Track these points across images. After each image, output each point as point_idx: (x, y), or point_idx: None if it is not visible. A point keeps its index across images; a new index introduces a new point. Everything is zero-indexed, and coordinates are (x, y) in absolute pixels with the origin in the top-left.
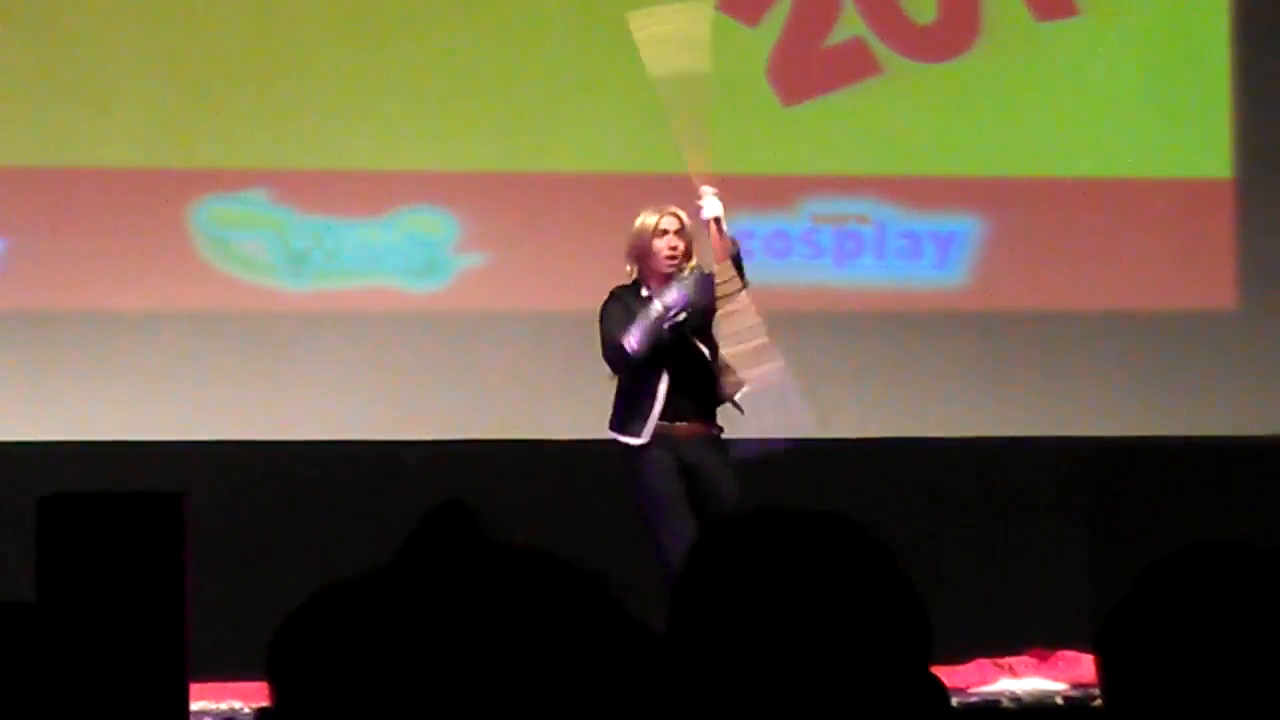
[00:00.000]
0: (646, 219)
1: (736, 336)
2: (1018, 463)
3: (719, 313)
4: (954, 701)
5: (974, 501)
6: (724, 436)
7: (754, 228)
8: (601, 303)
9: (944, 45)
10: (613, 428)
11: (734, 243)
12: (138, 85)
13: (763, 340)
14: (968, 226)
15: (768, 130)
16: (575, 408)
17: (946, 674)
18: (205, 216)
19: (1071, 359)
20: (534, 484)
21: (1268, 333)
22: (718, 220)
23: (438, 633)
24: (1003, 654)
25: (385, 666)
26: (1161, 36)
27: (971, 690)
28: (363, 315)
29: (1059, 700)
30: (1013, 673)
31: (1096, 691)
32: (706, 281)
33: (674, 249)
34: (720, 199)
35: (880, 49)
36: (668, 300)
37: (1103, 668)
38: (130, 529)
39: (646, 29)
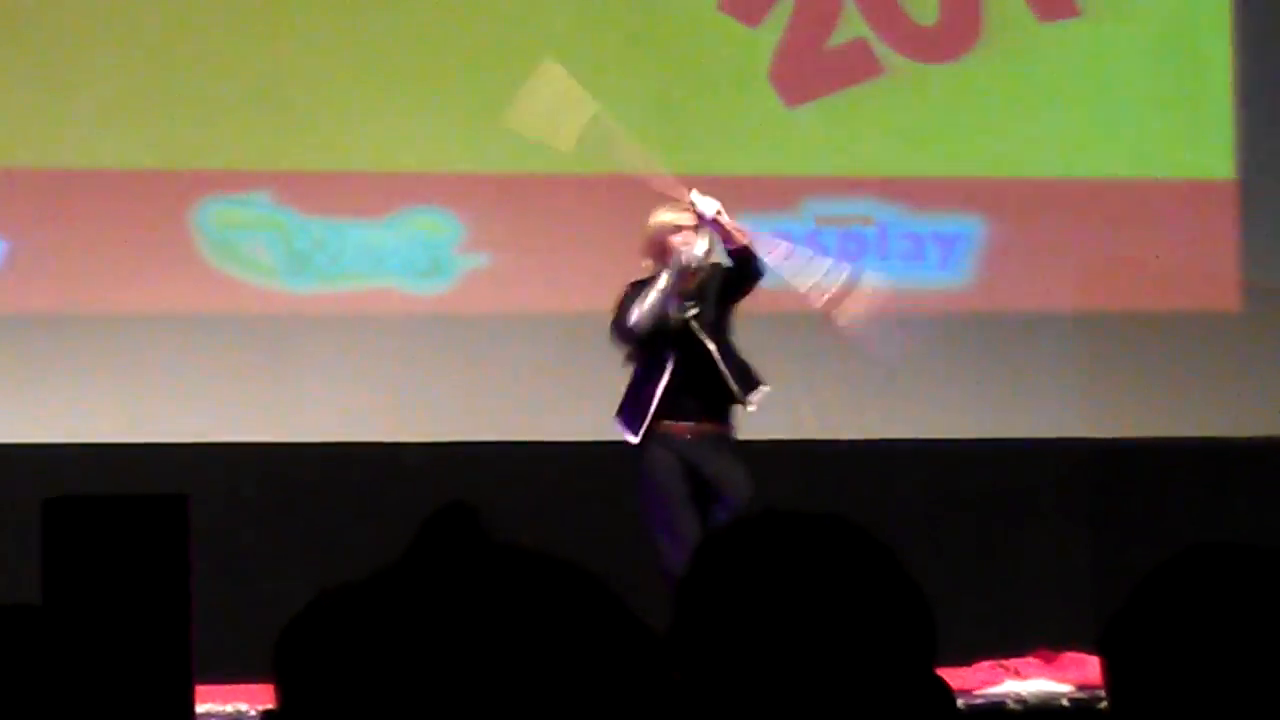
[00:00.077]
0: (663, 215)
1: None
2: (1022, 464)
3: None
4: (959, 703)
5: (978, 502)
6: (737, 436)
7: (757, 229)
8: (599, 304)
9: (946, 46)
10: (617, 416)
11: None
12: (141, 87)
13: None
14: (970, 228)
15: (770, 131)
16: (579, 409)
17: (952, 675)
18: (208, 218)
19: (1074, 360)
20: (537, 485)
21: (1270, 333)
22: (719, 212)
23: (442, 634)
24: (1008, 655)
25: (390, 668)
26: (1164, 37)
27: (977, 692)
28: (366, 317)
29: (1064, 702)
30: (1018, 674)
31: (1102, 693)
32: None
33: (689, 244)
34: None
35: (882, 50)
36: (672, 266)
37: (1108, 669)
38: (134, 531)
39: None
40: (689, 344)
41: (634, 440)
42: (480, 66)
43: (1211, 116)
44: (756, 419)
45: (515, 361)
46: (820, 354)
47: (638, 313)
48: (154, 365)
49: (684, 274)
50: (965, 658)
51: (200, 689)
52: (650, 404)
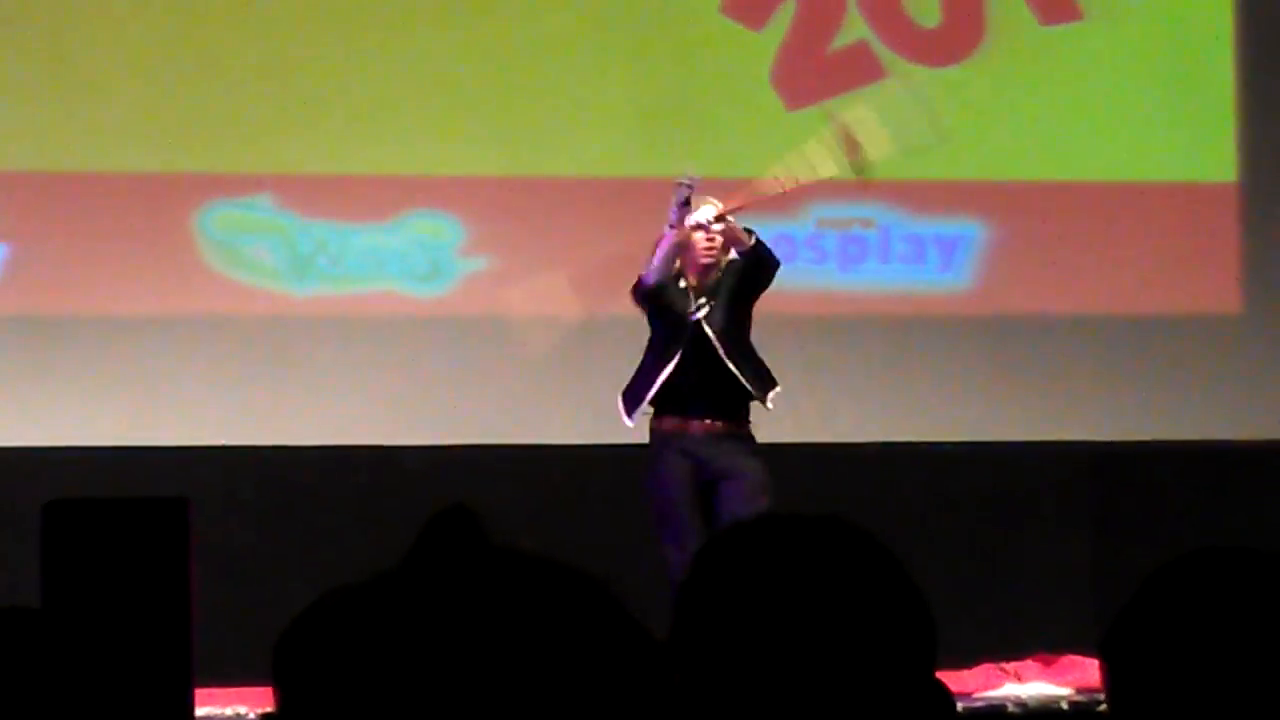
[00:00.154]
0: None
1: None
2: (1022, 467)
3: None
4: (959, 706)
5: (979, 506)
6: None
7: (758, 232)
8: (600, 307)
9: (948, 49)
10: (621, 395)
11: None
12: (143, 90)
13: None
14: (972, 230)
15: (772, 134)
16: (579, 412)
17: (951, 679)
18: (211, 221)
19: (1075, 363)
20: (539, 488)
21: (1272, 336)
22: (715, 219)
23: (442, 638)
24: (1008, 659)
25: (390, 671)
26: (1166, 40)
27: (976, 695)
28: (368, 320)
29: (1064, 705)
30: (1018, 677)
31: (1102, 696)
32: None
33: (711, 240)
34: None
35: (885, 53)
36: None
37: (1108, 672)
38: (135, 534)
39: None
40: (700, 343)
41: (629, 423)
42: (482, 70)
43: (1213, 119)
44: (757, 421)
45: (516, 365)
46: (821, 356)
47: (650, 269)
48: (155, 368)
49: (693, 228)
50: (965, 660)
51: (200, 692)
52: (649, 390)
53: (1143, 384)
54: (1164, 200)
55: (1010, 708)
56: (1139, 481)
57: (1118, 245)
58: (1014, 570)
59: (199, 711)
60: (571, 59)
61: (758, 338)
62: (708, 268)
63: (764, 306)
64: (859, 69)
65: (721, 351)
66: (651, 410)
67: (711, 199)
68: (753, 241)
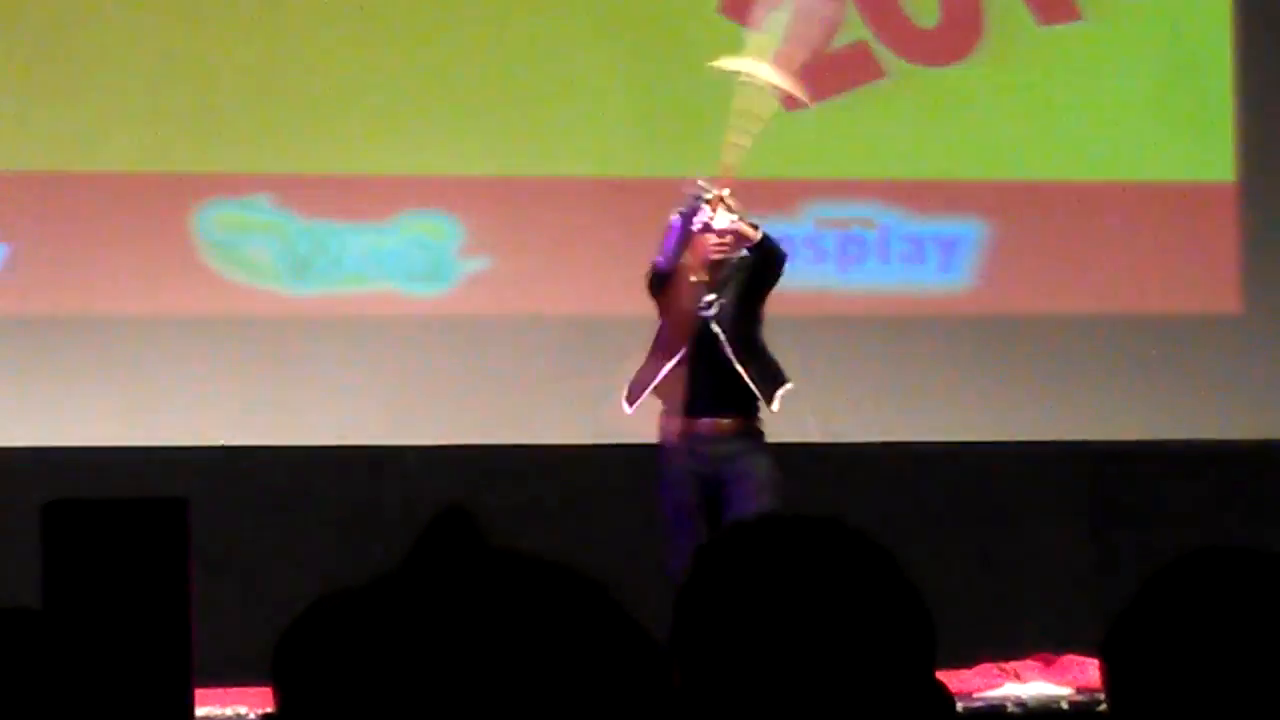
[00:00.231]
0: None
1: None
2: (1022, 466)
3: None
4: (959, 706)
5: (978, 505)
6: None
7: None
8: (599, 308)
9: (947, 49)
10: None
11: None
12: (141, 90)
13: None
14: (971, 230)
15: (771, 134)
16: (579, 413)
17: (951, 679)
18: (209, 221)
19: (1075, 363)
20: (538, 489)
21: (1271, 336)
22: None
23: (442, 638)
24: (1008, 659)
25: (389, 672)
26: (1164, 40)
27: (976, 695)
28: (366, 320)
29: (1064, 705)
30: (1018, 677)
31: (1102, 696)
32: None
33: (722, 238)
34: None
35: (883, 53)
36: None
37: (1108, 672)
38: (134, 535)
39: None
40: (708, 339)
41: (628, 411)
42: (482, 70)
43: (1212, 119)
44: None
45: (516, 365)
46: (821, 357)
47: (661, 255)
48: (154, 368)
49: (697, 209)
50: (965, 660)
51: (200, 692)
52: (651, 380)
53: (1142, 384)
54: (1163, 200)
55: (1010, 708)
56: (1139, 481)
57: (1116, 245)
58: (1014, 570)
59: (199, 711)
60: (570, 59)
61: None
62: (718, 263)
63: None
64: (857, 69)
65: (729, 351)
66: (661, 407)
67: (725, 196)
68: (759, 236)
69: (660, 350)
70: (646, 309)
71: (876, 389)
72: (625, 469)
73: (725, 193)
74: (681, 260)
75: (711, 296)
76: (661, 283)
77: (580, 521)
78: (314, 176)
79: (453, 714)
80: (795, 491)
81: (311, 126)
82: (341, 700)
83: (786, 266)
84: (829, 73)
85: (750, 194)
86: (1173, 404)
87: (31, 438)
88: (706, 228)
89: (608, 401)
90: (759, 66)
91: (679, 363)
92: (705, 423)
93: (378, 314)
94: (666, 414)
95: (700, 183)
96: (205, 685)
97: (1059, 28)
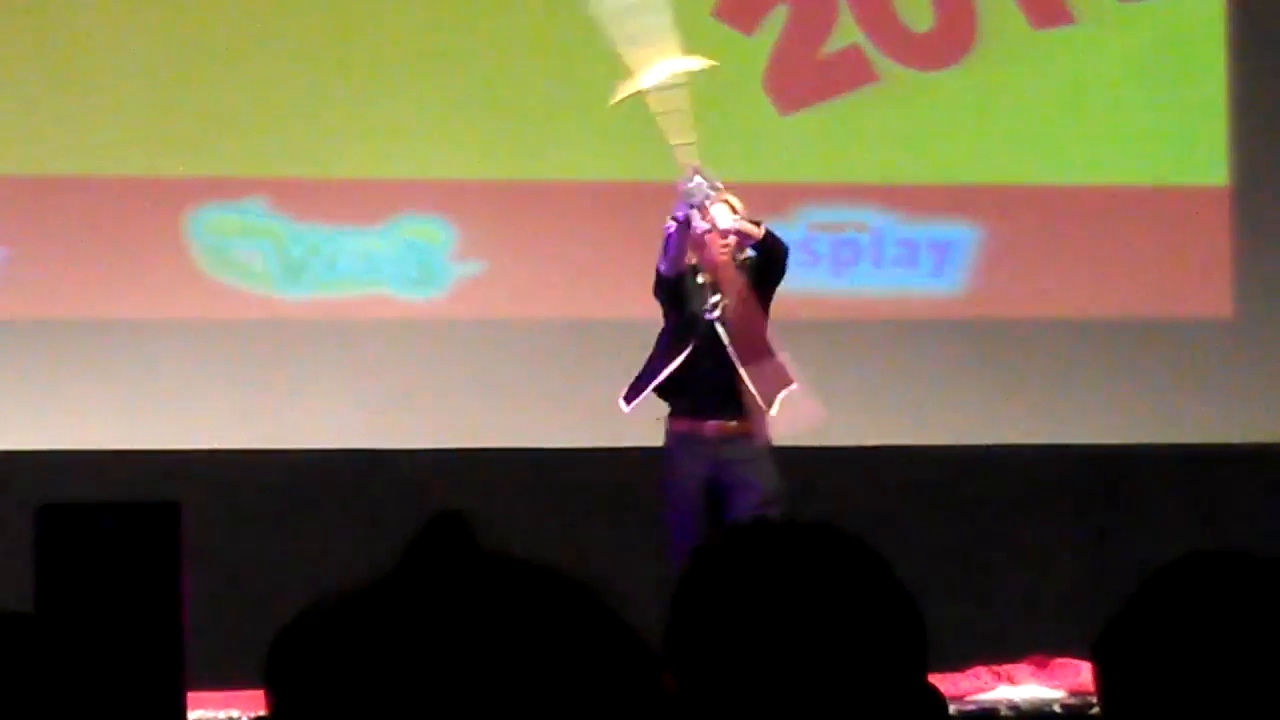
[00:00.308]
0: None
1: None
2: (1014, 470)
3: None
4: (952, 709)
5: (971, 509)
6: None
7: None
8: (592, 311)
9: (941, 53)
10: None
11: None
12: (137, 94)
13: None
14: (964, 234)
15: (764, 139)
16: (573, 416)
17: (945, 682)
18: (203, 225)
19: (1068, 367)
20: (531, 493)
21: (1264, 340)
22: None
23: (435, 642)
24: (1001, 661)
25: (382, 676)
26: (1158, 44)
27: (969, 698)
28: (360, 324)
29: (1057, 708)
30: (1011, 680)
31: (1094, 699)
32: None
33: (727, 240)
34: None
35: (877, 57)
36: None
37: (1101, 675)
38: (128, 538)
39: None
40: (714, 341)
41: (625, 409)
42: (475, 74)
43: (1205, 123)
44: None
45: (508, 369)
46: (815, 361)
47: (663, 261)
48: (148, 372)
49: (692, 207)
50: (958, 663)
51: (193, 695)
52: (652, 381)
53: (1135, 388)
54: (1156, 204)
55: (1003, 711)
56: (1132, 484)
57: (1109, 249)
58: (1006, 573)
59: (191, 715)
60: (564, 63)
61: None
62: (723, 264)
63: None
64: (851, 73)
65: (733, 353)
66: (664, 410)
67: (726, 196)
68: (762, 233)
69: (664, 351)
70: (640, 312)
71: (869, 393)
72: (619, 473)
73: (712, 193)
74: (687, 262)
75: (717, 298)
76: (666, 287)
77: (574, 525)
78: (307, 180)
79: (445, 718)
80: (788, 495)
81: (305, 131)
82: (334, 704)
83: None
84: (823, 76)
85: (743, 197)
86: (1165, 408)
87: (25, 441)
88: (712, 228)
89: (601, 405)
90: (650, 72)
91: (683, 364)
92: (711, 425)
93: (371, 318)
94: (673, 416)
95: (694, 180)
96: (198, 688)
97: (1052, 32)
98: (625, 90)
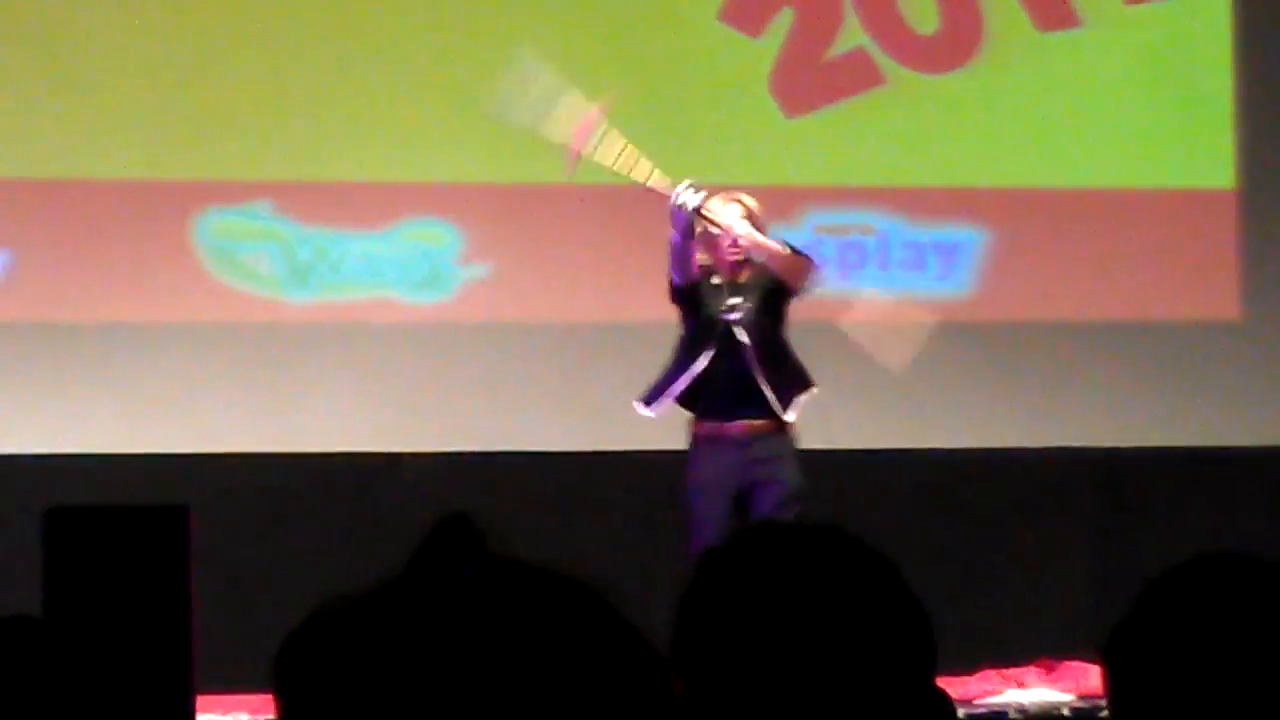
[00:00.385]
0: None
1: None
2: (1022, 473)
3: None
4: (960, 713)
5: (979, 512)
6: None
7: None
8: (598, 314)
9: (946, 56)
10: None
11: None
12: (142, 97)
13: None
14: (971, 237)
15: (770, 142)
16: (579, 419)
17: (953, 685)
18: (209, 228)
19: (1074, 369)
20: (538, 496)
21: (1270, 342)
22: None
23: (442, 646)
24: (1009, 665)
25: (390, 679)
26: (1164, 47)
27: (978, 701)
28: (366, 327)
29: (1066, 711)
30: (1019, 684)
31: (1103, 702)
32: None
33: (736, 244)
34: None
35: (883, 60)
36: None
37: (1109, 678)
38: (135, 542)
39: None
40: (732, 343)
41: (648, 413)
42: (480, 77)
43: (1211, 126)
44: None
45: (515, 372)
46: (820, 362)
47: (671, 271)
48: (154, 376)
49: (682, 219)
50: (967, 667)
51: (201, 699)
52: (673, 385)
53: (1142, 390)
54: (1162, 207)
55: (1012, 714)
56: (1139, 487)
57: (1116, 252)
58: (1015, 576)
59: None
60: (569, 66)
61: None
62: (738, 264)
63: None
64: (857, 76)
65: (751, 356)
66: (682, 414)
67: (739, 196)
68: (787, 252)
69: (683, 356)
70: (646, 315)
71: (876, 396)
72: (626, 476)
73: (702, 194)
74: (704, 264)
75: (736, 300)
76: (681, 295)
77: (581, 529)
78: (314, 183)
79: None
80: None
81: (311, 133)
82: (342, 707)
83: None
84: (828, 79)
85: None
86: (1171, 410)
87: (33, 444)
88: (723, 230)
89: (607, 408)
90: (593, 147)
91: (706, 369)
92: (736, 425)
93: (377, 321)
94: (697, 419)
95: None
96: (205, 692)
97: (1059, 35)
98: (572, 164)
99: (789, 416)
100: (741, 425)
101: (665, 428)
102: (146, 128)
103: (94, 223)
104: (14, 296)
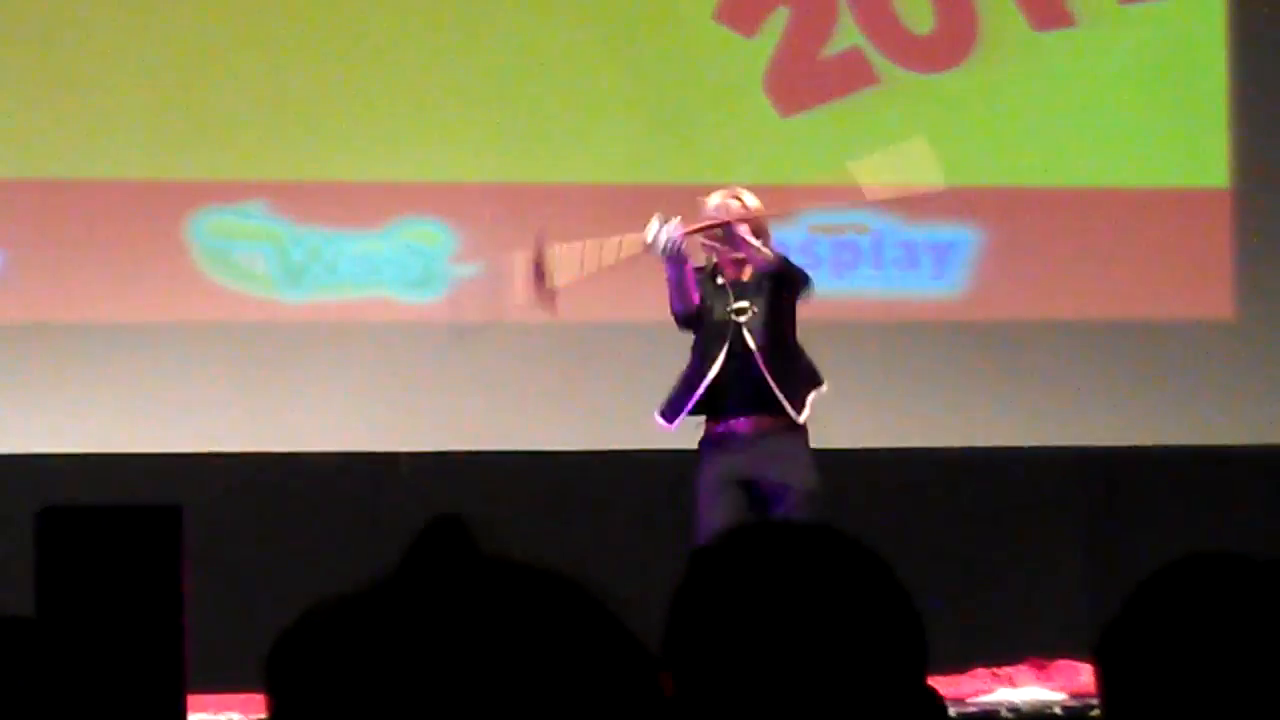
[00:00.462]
0: (712, 203)
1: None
2: (1016, 472)
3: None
4: (952, 712)
5: (972, 510)
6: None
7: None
8: (592, 315)
9: (942, 55)
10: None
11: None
12: (136, 97)
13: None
14: (965, 236)
15: (765, 141)
16: (573, 419)
17: (945, 684)
18: (203, 228)
19: (1068, 369)
20: (532, 495)
21: (1264, 342)
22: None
23: (434, 646)
24: (1001, 663)
25: (382, 679)
26: (1159, 46)
27: (970, 700)
28: (360, 327)
29: (1057, 710)
30: (1011, 682)
31: (1095, 701)
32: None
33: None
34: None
35: (878, 59)
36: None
37: (1101, 677)
38: (128, 541)
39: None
40: (740, 343)
41: (668, 427)
42: (474, 77)
43: (1206, 125)
44: None
45: (509, 372)
46: (817, 362)
47: (672, 301)
48: (149, 375)
49: (669, 256)
50: (958, 665)
51: (193, 699)
52: (692, 396)
53: (1135, 389)
54: (1157, 206)
55: (1004, 713)
56: (1132, 486)
57: (1110, 251)
58: (1007, 575)
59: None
60: (564, 66)
61: None
62: (741, 261)
63: None
64: (852, 75)
65: (758, 358)
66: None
67: (738, 192)
68: (769, 256)
69: (696, 360)
70: (641, 315)
71: (870, 395)
72: (620, 475)
73: (675, 220)
74: (714, 261)
75: (743, 304)
76: (687, 322)
77: (574, 528)
78: (308, 183)
79: None
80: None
81: (305, 133)
82: (334, 707)
83: None
84: (823, 79)
85: None
86: (1166, 409)
87: (26, 444)
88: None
89: (601, 408)
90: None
91: (718, 372)
92: (744, 423)
93: (371, 320)
94: (708, 419)
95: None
96: (197, 691)
97: (1053, 34)
98: (554, 305)
99: (800, 417)
100: (750, 424)
101: (661, 428)
102: (141, 128)
103: (89, 222)
104: (9, 296)
